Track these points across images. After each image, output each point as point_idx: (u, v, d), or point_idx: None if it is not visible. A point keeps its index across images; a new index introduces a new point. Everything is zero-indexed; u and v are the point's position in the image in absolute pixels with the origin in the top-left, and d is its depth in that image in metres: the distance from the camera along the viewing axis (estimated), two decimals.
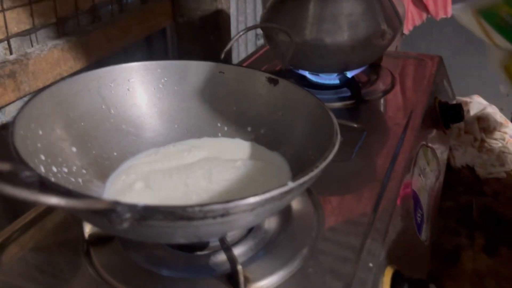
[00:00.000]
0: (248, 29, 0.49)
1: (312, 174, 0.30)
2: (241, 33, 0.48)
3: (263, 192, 0.28)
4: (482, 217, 0.62)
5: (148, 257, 0.37)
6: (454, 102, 0.64)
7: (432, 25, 1.77)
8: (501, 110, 2.06)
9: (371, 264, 0.35)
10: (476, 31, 0.35)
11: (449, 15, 1.28)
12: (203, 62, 0.46)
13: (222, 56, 0.47)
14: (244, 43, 1.21)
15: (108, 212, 0.25)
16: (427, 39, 1.85)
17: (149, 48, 0.82)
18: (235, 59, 1.12)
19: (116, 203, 0.25)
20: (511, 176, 0.70)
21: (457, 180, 0.69)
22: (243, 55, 1.15)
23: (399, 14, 0.62)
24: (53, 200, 0.22)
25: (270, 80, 0.45)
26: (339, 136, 0.35)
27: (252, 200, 0.27)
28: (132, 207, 0.25)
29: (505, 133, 0.74)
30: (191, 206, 0.26)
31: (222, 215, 0.27)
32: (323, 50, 0.58)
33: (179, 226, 0.27)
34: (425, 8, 1.28)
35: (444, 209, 0.63)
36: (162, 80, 0.45)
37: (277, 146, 0.43)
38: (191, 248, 0.38)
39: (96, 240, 0.38)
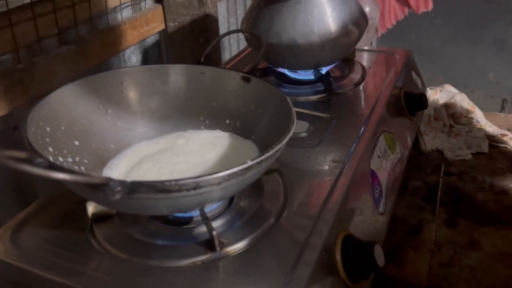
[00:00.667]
0: (225, 34, 0.56)
1: (267, 154, 0.37)
2: (218, 39, 0.55)
3: (226, 169, 0.35)
4: (447, 195, 0.69)
5: (143, 230, 0.45)
6: (420, 91, 0.71)
7: (422, 18, 1.83)
8: (491, 97, 2.11)
9: (325, 229, 0.42)
10: None
11: (430, 9, 1.34)
12: (186, 65, 0.53)
13: (202, 59, 0.54)
14: (236, 42, 1.28)
15: (103, 186, 0.32)
16: (418, 32, 1.90)
17: (143, 52, 0.89)
18: (228, 57, 1.19)
19: (109, 179, 0.32)
20: (476, 158, 0.77)
21: (427, 163, 0.75)
22: (235, 54, 1.23)
23: (365, 15, 0.68)
24: (61, 175, 0.29)
25: (244, 79, 0.52)
26: (294, 122, 0.42)
27: (217, 175, 0.35)
28: (122, 182, 0.33)
29: (472, 118, 0.80)
30: (168, 181, 0.33)
31: (195, 188, 0.34)
32: (297, 50, 0.65)
33: (160, 197, 0.34)
34: (406, 3, 1.34)
35: (412, 188, 0.70)
36: (152, 82, 0.52)
37: (250, 135, 0.51)
38: (178, 223, 0.45)
39: (98, 218, 0.45)
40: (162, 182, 0.33)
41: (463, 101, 0.81)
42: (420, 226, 0.63)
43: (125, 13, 0.83)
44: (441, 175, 0.72)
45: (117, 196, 0.32)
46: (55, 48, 0.69)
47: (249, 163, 0.36)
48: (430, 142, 0.77)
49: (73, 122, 0.47)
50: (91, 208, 0.45)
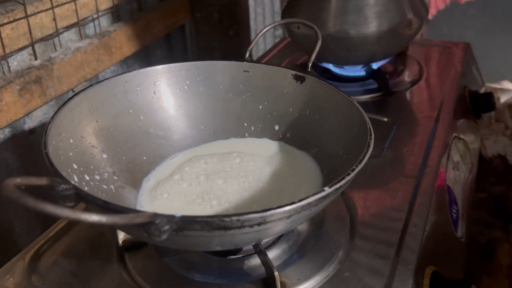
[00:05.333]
0: (272, 26, 0.48)
1: (348, 178, 0.29)
2: (264, 31, 0.47)
3: (299, 200, 0.27)
4: None
5: (182, 262, 0.37)
6: (483, 90, 0.62)
7: (454, 8, 1.72)
8: None
9: (410, 266, 0.34)
10: None
11: None
12: (228, 62, 0.45)
13: (247, 55, 0.46)
14: (262, 37, 1.20)
15: (147, 225, 0.25)
16: (450, 22, 1.79)
17: (169, 45, 0.82)
18: (254, 52, 1.11)
19: (155, 216, 0.24)
20: None
21: (489, 170, 0.67)
22: (261, 47, 1.14)
23: (425, 2, 0.60)
24: (94, 217, 0.22)
25: (297, 78, 0.44)
26: (373, 136, 0.34)
27: (288, 208, 0.27)
28: (170, 219, 0.25)
29: None
30: (228, 216, 0.26)
31: (259, 224, 0.27)
32: (348, 43, 0.57)
33: (216, 235, 0.27)
34: None
35: (477, 201, 0.61)
36: (187, 82, 0.45)
37: (305, 145, 0.43)
38: (224, 252, 0.38)
39: (130, 246, 0.38)
40: (221, 218, 0.26)
41: None
42: (491, 246, 0.55)
43: (150, 3, 0.76)
44: (508, 185, 0.63)
45: (164, 236, 0.25)
46: (75, 42, 0.62)
47: (327, 190, 0.28)
48: (491, 146, 0.69)
49: (99, 131, 0.40)
50: (122, 233, 0.38)
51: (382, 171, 0.46)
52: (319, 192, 0.28)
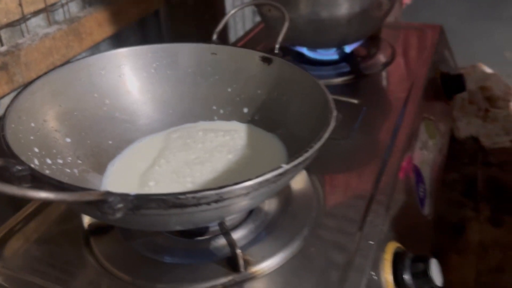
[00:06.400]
0: (239, 8, 0.47)
1: (306, 155, 0.29)
2: (232, 12, 0.46)
3: (257, 176, 0.27)
4: (488, 188, 0.61)
5: (148, 244, 0.37)
6: (456, 72, 0.63)
7: None
8: (507, 76, 2.03)
9: (371, 242, 0.35)
10: None
11: None
12: (195, 44, 0.45)
13: (214, 37, 0.46)
14: (241, 20, 1.19)
15: (100, 203, 0.24)
16: (431, 7, 1.81)
17: (143, 31, 0.80)
18: (233, 37, 1.10)
19: (107, 194, 0.24)
20: None
21: (462, 151, 0.68)
22: (240, 33, 1.13)
23: None
24: (42, 194, 0.22)
25: (264, 59, 0.44)
26: (334, 115, 0.34)
27: (246, 184, 0.27)
28: (123, 197, 0.25)
29: (510, 101, 0.72)
30: (184, 193, 0.26)
31: (217, 201, 0.27)
32: (319, 25, 0.57)
33: (173, 213, 0.27)
34: None
35: (449, 182, 0.62)
36: (154, 65, 0.44)
37: (273, 127, 0.43)
38: (191, 234, 0.38)
39: (96, 230, 0.38)
40: (176, 195, 0.25)
41: (499, 82, 0.73)
42: (462, 225, 0.56)
43: None
44: (480, 166, 0.65)
45: (118, 215, 0.25)
46: (43, 28, 0.61)
47: (285, 167, 0.28)
48: (464, 128, 0.70)
49: (63, 115, 0.39)
50: (87, 217, 0.38)
51: (351, 152, 0.46)
52: (276, 169, 0.28)
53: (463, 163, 0.65)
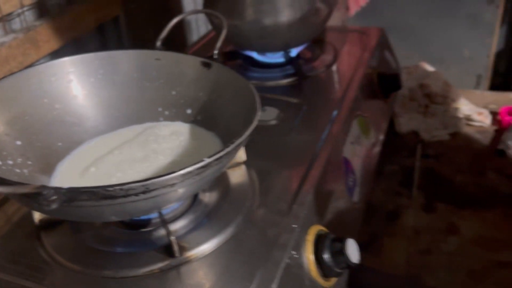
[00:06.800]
0: (180, 17, 0.51)
1: (227, 149, 0.33)
2: (174, 21, 0.50)
3: (180, 169, 0.31)
4: (424, 178, 0.67)
5: (96, 237, 0.41)
6: (394, 72, 0.68)
7: None
8: (466, 73, 2.12)
9: (295, 225, 0.39)
10: None
11: None
12: (139, 50, 0.48)
13: (158, 44, 0.49)
14: (204, 24, 1.22)
15: (36, 196, 0.28)
16: (392, 8, 1.87)
17: (102, 37, 0.83)
18: (190, 42, 1.13)
19: (42, 187, 0.28)
20: (453, 138, 0.75)
21: (403, 145, 0.73)
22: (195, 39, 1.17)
23: None
24: None
25: (204, 64, 0.47)
26: (258, 113, 0.38)
27: (169, 176, 0.31)
28: (57, 190, 0.28)
29: (447, 97, 0.78)
30: (111, 186, 0.29)
31: (144, 192, 0.31)
32: (263, 31, 0.61)
33: (106, 204, 0.30)
34: None
35: (388, 173, 0.68)
36: (101, 71, 0.48)
37: (213, 126, 0.46)
38: (135, 226, 0.41)
39: (46, 224, 0.41)
40: (105, 187, 0.29)
41: (438, 79, 0.79)
42: (397, 212, 0.61)
43: None
44: (418, 157, 0.70)
45: (54, 206, 0.28)
46: (0, 37, 0.63)
47: (206, 160, 0.32)
48: (405, 123, 0.75)
49: (13, 119, 0.42)
50: (37, 213, 0.41)
51: (289, 147, 0.50)
52: (199, 162, 0.32)
53: (403, 156, 0.71)
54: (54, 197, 0.28)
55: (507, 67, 2.03)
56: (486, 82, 2.02)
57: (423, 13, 1.87)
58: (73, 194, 0.29)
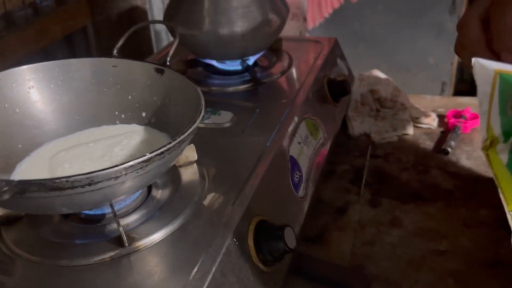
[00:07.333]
0: (135, 28, 0.55)
1: (169, 145, 0.37)
2: (130, 31, 0.54)
3: (122, 163, 0.35)
4: (372, 176, 0.72)
5: (54, 231, 0.44)
6: (341, 78, 0.73)
7: (364, 4, 1.88)
8: (432, 80, 2.20)
9: (237, 216, 0.43)
10: (486, 89, 0.34)
11: None
12: (96, 58, 0.51)
13: (115, 52, 0.53)
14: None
15: None
16: (360, 18, 1.95)
17: (70, 47, 0.86)
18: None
19: None
20: (401, 140, 0.80)
21: (354, 146, 0.78)
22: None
23: (286, 3, 0.69)
24: None
25: (158, 70, 0.51)
26: (201, 114, 0.42)
27: (113, 169, 0.34)
28: (8, 182, 0.32)
29: (397, 101, 0.83)
30: (59, 178, 0.32)
31: (89, 184, 0.34)
32: (219, 40, 0.65)
33: (54, 195, 0.33)
34: None
35: (340, 172, 0.72)
36: (61, 78, 0.51)
37: (166, 127, 0.50)
38: (90, 221, 0.44)
39: (6, 221, 0.44)
40: (52, 179, 0.32)
41: (389, 85, 0.84)
42: (345, 207, 0.65)
43: (46, 8, 0.80)
44: (368, 157, 0.75)
45: (5, 197, 0.31)
46: None
47: (148, 155, 0.36)
48: (358, 126, 0.80)
49: None
50: None
51: (240, 147, 0.54)
52: (141, 157, 0.35)
53: (354, 156, 0.75)
54: (5, 188, 0.31)
55: (472, 75, 2.13)
56: (450, 88, 2.11)
57: (390, 23, 1.96)
58: (24, 186, 0.32)
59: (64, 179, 0.33)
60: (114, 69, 0.52)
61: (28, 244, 0.42)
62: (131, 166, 0.35)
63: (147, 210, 0.45)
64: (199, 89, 0.46)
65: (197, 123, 0.41)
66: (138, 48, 0.56)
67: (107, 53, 0.90)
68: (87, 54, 0.90)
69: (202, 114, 0.42)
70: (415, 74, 2.04)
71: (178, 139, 0.38)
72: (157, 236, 0.42)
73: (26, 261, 0.41)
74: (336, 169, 0.73)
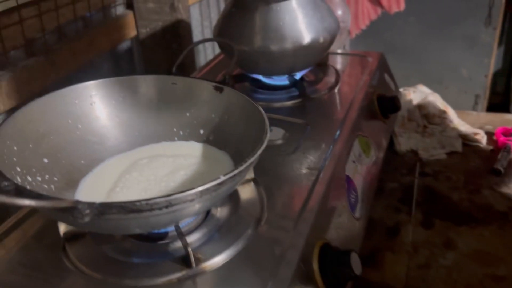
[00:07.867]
0: (196, 43, 0.55)
1: (241, 168, 0.37)
2: (189, 48, 0.54)
3: (199, 186, 0.34)
4: (422, 195, 0.70)
5: (117, 248, 0.44)
6: (391, 94, 0.71)
7: (395, 16, 1.86)
8: (464, 92, 2.15)
9: (301, 239, 0.42)
10: None
11: (402, 9, 1.36)
12: (157, 75, 0.52)
13: (174, 69, 0.53)
14: (211, 46, 1.27)
15: (71, 210, 0.31)
16: (391, 29, 1.93)
17: (115, 59, 0.88)
18: (203, 61, 1.18)
19: (77, 202, 0.31)
20: (450, 157, 0.78)
21: (402, 164, 0.76)
22: (210, 57, 1.22)
23: (337, 20, 0.69)
24: (26, 201, 0.28)
25: (216, 88, 0.51)
26: (268, 135, 0.42)
27: (190, 192, 0.34)
28: (90, 205, 0.32)
29: (445, 118, 0.82)
30: (139, 201, 0.32)
31: (167, 206, 0.34)
32: (269, 56, 0.65)
33: (132, 218, 0.34)
34: (379, 3, 1.35)
35: (388, 190, 0.71)
36: (122, 94, 0.51)
37: (224, 145, 0.50)
38: (153, 239, 0.44)
39: (70, 237, 0.44)
40: (133, 202, 0.32)
41: (436, 101, 0.83)
42: (397, 228, 0.64)
43: (95, 21, 0.82)
44: (416, 175, 0.73)
45: (86, 219, 0.32)
46: (23, 60, 0.67)
47: (222, 178, 0.35)
48: (404, 143, 0.78)
49: (41, 139, 0.46)
50: (62, 227, 0.44)
51: (293, 165, 0.54)
52: (215, 179, 0.35)
53: (402, 174, 0.74)
54: (87, 211, 0.31)
55: (505, 87, 2.08)
56: (484, 101, 2.06)
57: (422, 35, 1.93)
58: (104, 208, 0.32)
59: (144, 202, 0.33)
60: (173, 86, 0.52)
61: (91, 261, 0.43)
62: (206, 189, 0.35)
63: (208, 229, 0.45)
64: (261, 108, 0.46)
65: (265, 144, 0.41)
66: (181, 63, 0.57)
67: (150, 66, 0.91)
68: (131, 66, 0.91)
69: (268, 134, 0.42)
70: (447, 86, 2.01)
71: (249, 161, 0.38)
72: (222, 257, 0.41)
73: (90, 277, 0.41)
74: (384, 187, 0.71)
